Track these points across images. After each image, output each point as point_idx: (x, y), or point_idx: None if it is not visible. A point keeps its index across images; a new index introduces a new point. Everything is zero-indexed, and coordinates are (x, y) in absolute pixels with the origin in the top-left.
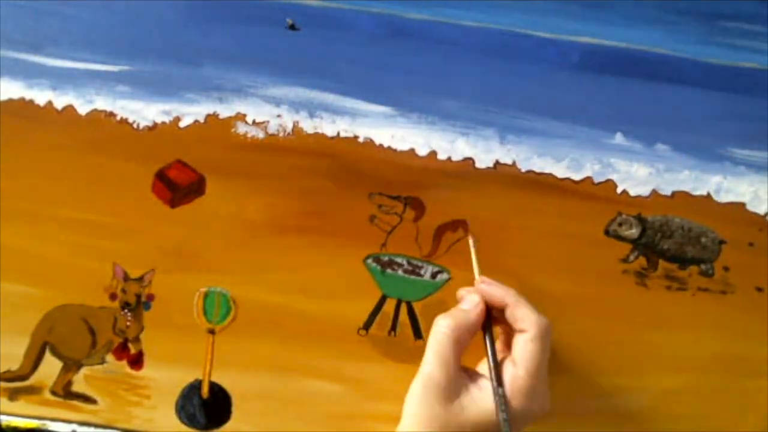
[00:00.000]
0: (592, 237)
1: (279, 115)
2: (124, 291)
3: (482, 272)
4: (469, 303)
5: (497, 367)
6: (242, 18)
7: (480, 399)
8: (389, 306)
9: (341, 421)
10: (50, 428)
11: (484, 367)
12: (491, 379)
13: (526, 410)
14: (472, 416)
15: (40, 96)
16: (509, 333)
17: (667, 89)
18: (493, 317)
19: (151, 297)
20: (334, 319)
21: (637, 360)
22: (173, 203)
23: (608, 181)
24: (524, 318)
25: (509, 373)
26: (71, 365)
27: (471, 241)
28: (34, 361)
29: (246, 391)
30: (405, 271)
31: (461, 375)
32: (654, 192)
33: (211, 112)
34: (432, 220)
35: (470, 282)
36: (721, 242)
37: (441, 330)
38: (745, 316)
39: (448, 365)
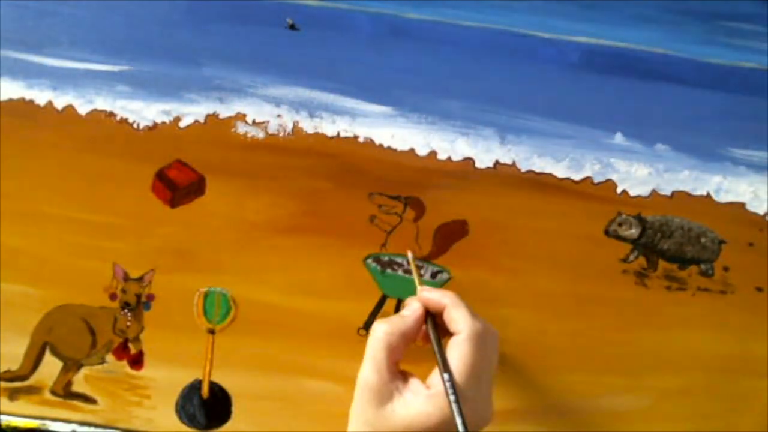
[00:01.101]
0: (592, 237)
1: (279, 115)
2: (124, 291)
3: (480, 272)
4: (408, 308)
5: (441, 352)
6: (242, 18)
7: (410, 401)
8: (389, 306)
9: (341, 421)
10: (50, 428)
11: (432, 375)
12: (438, 365)
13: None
14: (401, 418)
15: (40, 96)
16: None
17: (667, 89)
18: (438, 325)
19: (151, 297)
20: (334, 319)
21: (637, 360)
22: (173, 203)
23: (608, 181)
24: (458, 320)
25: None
26: (71, 365)
27: (410, 255)
28: (34, 361)
29: (246, 391)
30: (405, 271)
31: (395, 379)
32: (654, 192)
33: (211, 112)
34: (432, 220)
35: (471, 280)
36: (721, 242)
37: (376, 335)
38: (745, 316)
39: (381, 370)
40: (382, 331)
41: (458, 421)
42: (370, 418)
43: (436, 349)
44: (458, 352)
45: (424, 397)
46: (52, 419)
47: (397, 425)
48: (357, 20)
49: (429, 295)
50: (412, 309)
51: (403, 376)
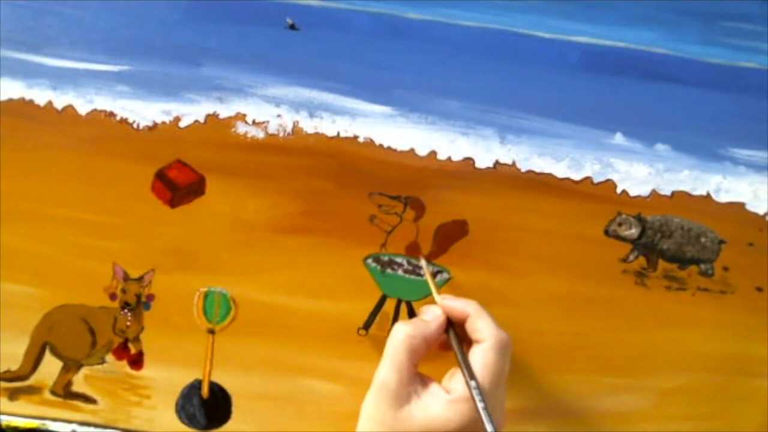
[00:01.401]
0: (592, 237)
1: (279, 115)
2: (124, 291)
3: (480, 272)
4: (430, 314)
5: (466, 360)
6: (242, 18)
7: (429, 405)
8: (389, 306)
9: (341, 421)
10: (50, 428)
11: (449, 380)
12: (462, 372)
13: (479, 421)
14: (419, 422)
15: (40, 96)
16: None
17: (667, 89)
18: (457, 335)
19: (151, 297)
20: (334, 319)
21: (637, 360)
22: (173, 203)
23: (608, 181)
24: (483, 329)
25: (464, 382)
26: (71, 365)
27: (424, 263)
28: (34, 361)
29: (246, 391)
30: (405, 271)
31: (414, 381)
32: (654, 192)
33: (211, 112)
34: (432, 220)
35: (471, 280)
36: (721, 242)
37: (397, 336)
38: (745, 316)
39: (401, 371)
40: (404, 333)
41: (489, 429)
42: (387, 420)
43: (460, 356)
44: (483, 360)
45: (445, 402)
46: (52, 419)
47: (413, 428)
48: (357, 20)
49: (452, 303)
50: (434, 315)
51: (422, 380)
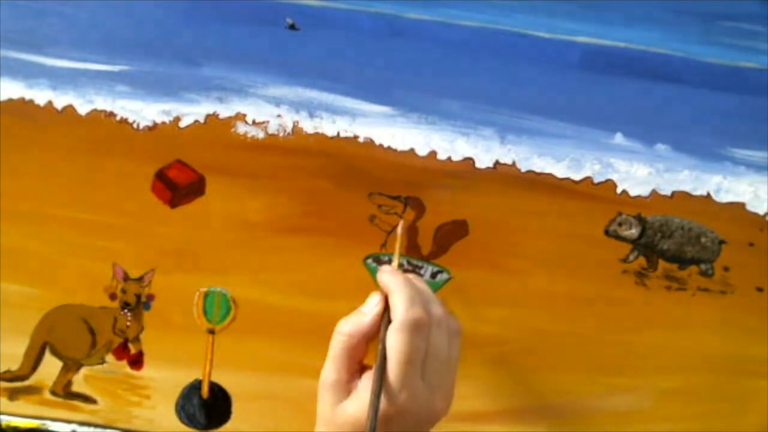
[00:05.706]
0: (592, 237)
1: (279, 115)
2: (124, 291)
3: (480, 272)
4: (368, 304)
5: (383, 350)
6: (242, 18)
7: (363, 398)
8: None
9: None
10: (50, 428)
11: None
12: (375, 371)
13: (393, 408)
14: (350, 415)
15: (40, 96)
16: None
17: (667, 89)
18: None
19: (151, 297)
20: (334, 319)
21: (637, 360)
22: (173, 203)
23: (608, 181)
24: (393, 308)
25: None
26: (71, 365)
27: (399, 228)
28: (34, 361)
29: (246, 391)
30: (405, 271)
31: (354, 379)
32: (654, 192)
33: (211, 112)
34: (432, 220)
35: (471, 280)
36: (721, 242)
37: (337, 337)
38: (745, 316)
39: (340, 371)
40: (343, 332)
41: (371, 415)
42: (327, 415)
43: (380, 346)
44: (390, 343)
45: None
46: (52, 419)
47: (347, 422)
48: (357, 20)
49: (384, 278)
50: (372, 305)
51: (363, 374)
